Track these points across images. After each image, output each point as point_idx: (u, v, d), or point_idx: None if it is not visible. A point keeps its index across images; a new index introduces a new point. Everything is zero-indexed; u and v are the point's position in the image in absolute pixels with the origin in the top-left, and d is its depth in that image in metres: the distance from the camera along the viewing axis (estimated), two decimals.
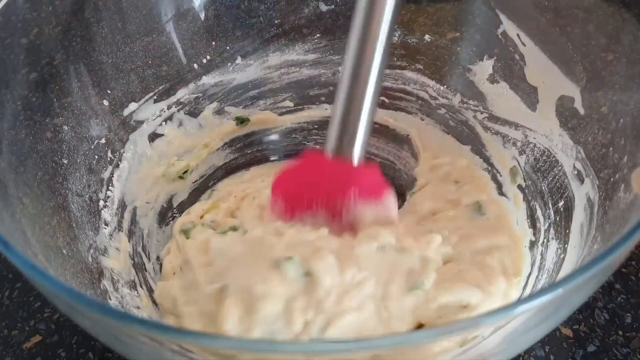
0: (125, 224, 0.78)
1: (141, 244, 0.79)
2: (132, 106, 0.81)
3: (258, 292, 0.60)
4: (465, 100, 0.86)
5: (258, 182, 0.88)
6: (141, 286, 0.73)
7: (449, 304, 0.64)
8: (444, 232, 0.73)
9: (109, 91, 0.79)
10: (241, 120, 0.91)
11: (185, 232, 0.79)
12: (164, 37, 0.82)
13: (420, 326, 0.64)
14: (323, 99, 0.92)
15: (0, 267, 0.81)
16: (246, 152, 0.92)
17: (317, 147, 0.94)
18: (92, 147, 0.76)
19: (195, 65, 0.86)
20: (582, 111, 0.71)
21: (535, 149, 0.77)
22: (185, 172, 0.87)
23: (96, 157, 0.77)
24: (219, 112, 0.89)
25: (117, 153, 0.80)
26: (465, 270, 0.68)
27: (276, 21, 0.88)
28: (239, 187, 0.87)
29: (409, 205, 0.83)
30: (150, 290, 0.74)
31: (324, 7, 0.88)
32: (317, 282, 0.62)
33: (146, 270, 0.77)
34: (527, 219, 0.77)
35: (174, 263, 0.77)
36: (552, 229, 0.72)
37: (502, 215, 0.78)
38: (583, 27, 0.73)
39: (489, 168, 0.84)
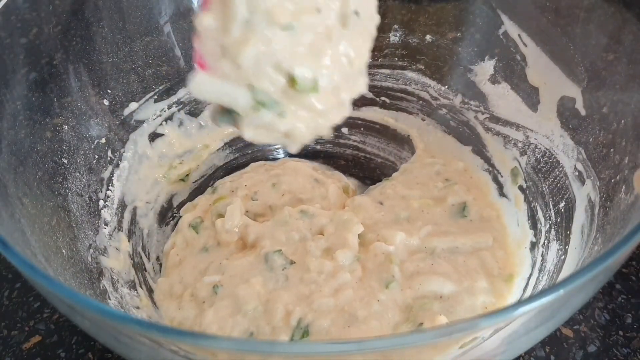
0: (125, 224, 0.78)
1: (141, 244, 0.79)
2: (133, 106, 0.81)
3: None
4: (466, 100, 0.86)
5: (262, 171, 0.88)
6: (141, 286, 0.73)
7: (425, 294, 0.70)
8: (417, 223, 0.78)
9: (109, 91, 0.79)
10: None
11: (195, 227, 0.80)
12: (164, 37, 0.82)
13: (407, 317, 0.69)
14: None
15: None
16: (246, 152, 0.92)
17: (318, 147, 0.94)
18: (92, 146, 0.76)
19: (196, 65, 0.86)
20: (583, 112, 0.71)
21: (537, 149, 0.77)
22: (187, 175, 0.87)
23: (96, 156, 0.77)
24: None
25: (117, 153, 0.80)
26: (437, 264, 0.73)
27: None
28: (242, 177, 0.88)
29: (380, 186, 0.85)
30: (150, 290, 0.74)
31: None
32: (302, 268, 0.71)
33: (146, 270, 0.77)
34: (528, 220, 0.77)
35: (181, 256, 0.78)
36: (552, 230, 0.72)
37: (490, 218, 0.79)
38: (584, 27, 0.72)
39: (490, 169, 0.84)
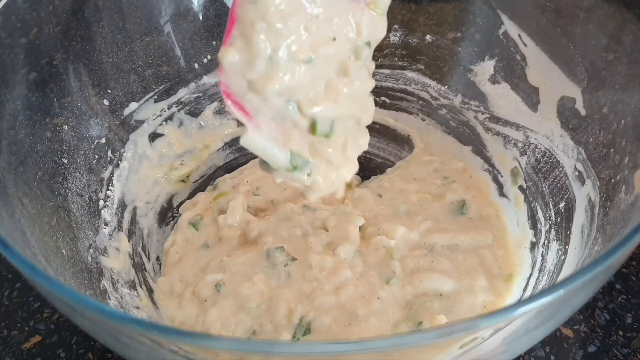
0: (125, 224, 0.78)
1: (141, 244, 0.79)
2: (133, 106, 0.81)
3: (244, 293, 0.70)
4: (466, 100, 0.86)
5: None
6: (141, 286, 0.73)
7: (425, 292, 0.70)
8: (417, 218, 0.78)
9: (109, 91, 0.79)
10: None
11: (194, 225, 0.80)
12: (164, 37, 0.82)
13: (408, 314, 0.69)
14: None
15: None
16: (247, 152, 0.92)
17: None
18: (92, 146, 0.76)
19: (196, 65, 0.86)
20: (583, 112, 0.71)
21: (537, 149, 0.77)
22: (188, 176, 0.87)
23: (96, 156, 0.77)
24: (220, 112, 0.89)
25: (117, 153, 0.80)
26: (437, 261, 0.73)
27: None
28: (243, 173, 0.88)
29: (377, 179, 0.86)
30: (150, 290, 0.74)
31: None
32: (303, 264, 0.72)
33: (146, 270, 0.77)
34: (528, 220, 0.77)
35: (181, 253, 0.78)
36: (552, 230, 0.72)
37: (490, 217, 0.79)
38: (584, 27, 0.72)
39: (490, 169, 0.84)
